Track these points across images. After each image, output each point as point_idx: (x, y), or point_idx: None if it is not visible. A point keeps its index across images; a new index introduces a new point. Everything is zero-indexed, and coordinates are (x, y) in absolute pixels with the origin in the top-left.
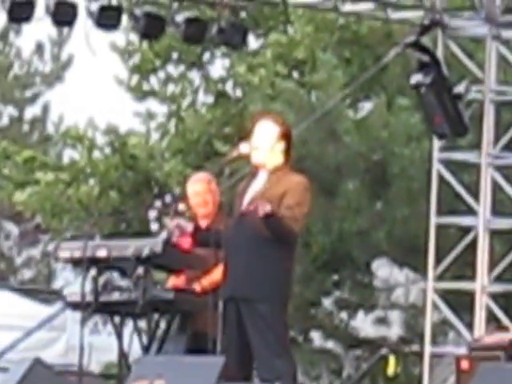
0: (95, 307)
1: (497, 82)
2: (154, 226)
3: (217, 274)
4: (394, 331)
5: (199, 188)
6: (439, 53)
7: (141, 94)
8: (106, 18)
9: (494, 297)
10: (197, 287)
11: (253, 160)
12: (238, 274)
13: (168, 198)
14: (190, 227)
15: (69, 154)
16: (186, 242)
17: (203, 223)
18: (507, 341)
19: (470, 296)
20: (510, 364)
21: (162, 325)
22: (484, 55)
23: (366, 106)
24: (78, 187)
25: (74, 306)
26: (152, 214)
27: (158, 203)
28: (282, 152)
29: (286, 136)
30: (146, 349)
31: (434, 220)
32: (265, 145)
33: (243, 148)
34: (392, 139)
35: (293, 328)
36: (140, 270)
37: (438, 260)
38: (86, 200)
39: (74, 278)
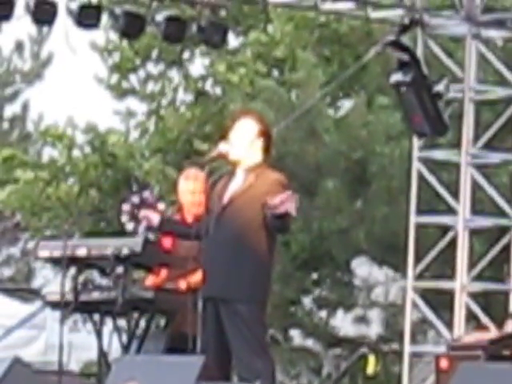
0: (75, 306)
1: (476, 80)
2: (127, 223)
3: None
4: (374, 330)
5: (196, 187)
6: (419, 52)
7: (120, 93)
8: (86, 17)
9: (474, 296)
10: (182, 285)
11: (230, 157)
12: (217, 274)
13: (145, 194)
14: (156, 219)
15: (48, 153)
16: (168, 242)
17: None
18: (486, 340)
19: (449, 295)
20: (490, 363)
21: (142, 323)
22: (464, 54)
23: (346, 105)
24: (57, 186)
25: (54, 305)
26: (125, 208)
27: (133, 199)
28: (261, 150)
29: (265, 133)
30: (125, 348)
31: (413, 219)
32: (243, 142)
33: (223, 147)
34: (372, 138)
35: (272, 326)
36: (119, 269)
37: (418, 259)
38: (66, 198)
39: (54, 277)
